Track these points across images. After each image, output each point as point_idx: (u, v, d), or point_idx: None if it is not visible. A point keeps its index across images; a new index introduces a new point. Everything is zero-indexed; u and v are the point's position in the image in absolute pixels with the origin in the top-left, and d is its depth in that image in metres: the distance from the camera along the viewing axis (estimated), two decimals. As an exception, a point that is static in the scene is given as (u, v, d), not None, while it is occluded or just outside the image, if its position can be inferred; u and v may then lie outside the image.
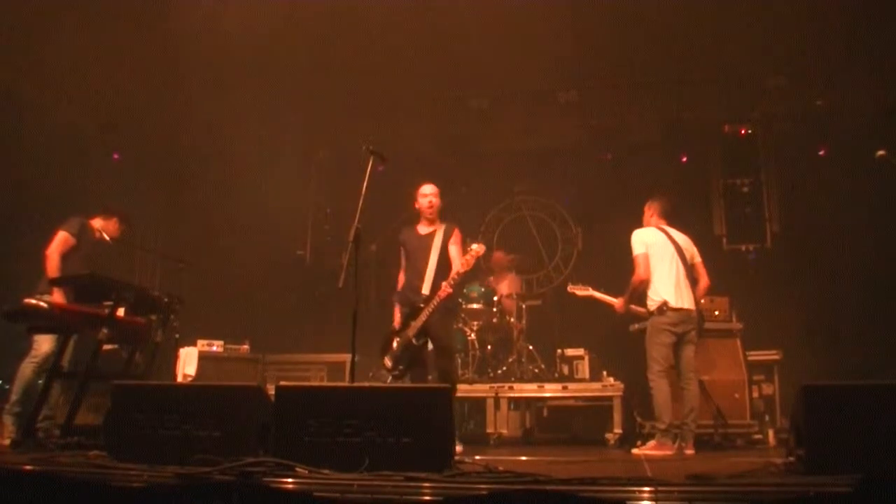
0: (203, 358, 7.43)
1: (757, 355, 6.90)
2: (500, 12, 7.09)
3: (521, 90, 9.06)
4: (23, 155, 7.65)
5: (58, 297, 5.38)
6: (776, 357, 6.95)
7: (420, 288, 5.71)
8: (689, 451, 5.48)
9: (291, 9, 7.12)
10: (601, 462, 4.98)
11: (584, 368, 7.62)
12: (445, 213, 6.10)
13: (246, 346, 7.98)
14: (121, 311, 5.34)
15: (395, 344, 5.81)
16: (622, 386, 6.71)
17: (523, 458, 5.17)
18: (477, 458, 4.39)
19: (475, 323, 7.63)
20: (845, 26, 7.13)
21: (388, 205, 7.41)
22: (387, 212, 7.62)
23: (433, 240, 5.84)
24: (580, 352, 7.69)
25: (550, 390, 7.06)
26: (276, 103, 8.76)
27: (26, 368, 5.62)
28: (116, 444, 3.85)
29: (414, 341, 5.64)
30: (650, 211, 6.14)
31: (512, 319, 7.82)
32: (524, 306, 8.08)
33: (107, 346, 5.32)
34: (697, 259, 6.02)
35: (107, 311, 5.13)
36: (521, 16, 7.15)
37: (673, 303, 5.69)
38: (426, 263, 5.75)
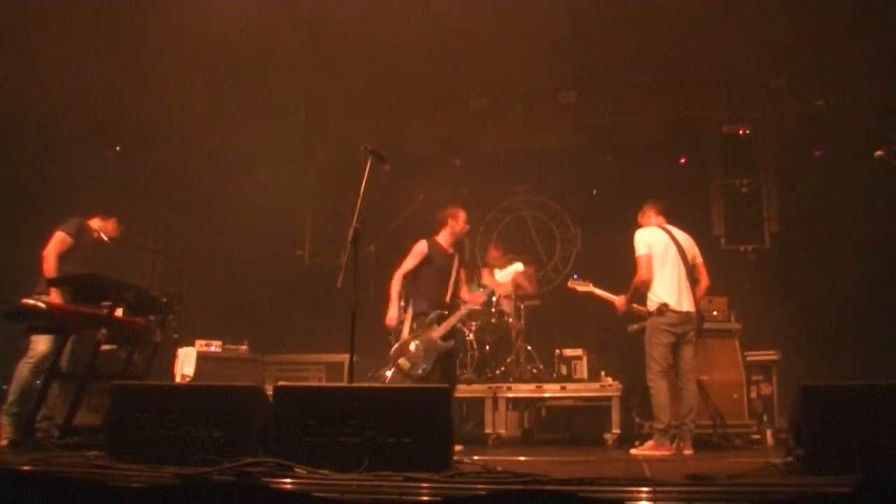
0: (201, 358, 7.42)
1: (755, 355, 6.91)
2: (499, 13, 7.10)
3: (521, 90, 9.06)
4: (22, 155, 7.65)
5: (55, 297, 5.38)
6: (774, 357, 6.95)
7: (445, 297, 6.27)
8: (688, 452, 5.49)
9: (292, 9, 7.12)
10: (600, 462, 4.99)
11: (583, 369, 7.62)
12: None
13: (244, 347, 7.97)
14: (119, 312, 5.35)
15: (412, 346, 6.11)
16: (620, 386, 6.70)
17: (522, 458, 5.17)
18: (476, 458, 4.39)
19: (474, 323, 7.62)
20: (845, 27, 7.14)
21: (387, 205, 7.41)
22: (386, 212, 7.62)
23: (454, 259, 6.50)
24: (579, 352, 7.69)
25: (549, 390, 7.06)
26: (276, 103, 8.76)
27: (23, 368, 5.61)
28: (115, 444, 3.86)
29: (442, 343, 6.05)
30: (648, 212, 6.13)
31: (510, 319, 7.82)
32: (523, 306, 8.08)
33: (105, 347, 5.33)
34: (699, 259, 6.02)
35: (105, 311, 5.14)
36: (521, 16, 7.15)
37: (674, 305, 5.69)
38: (450, 278, 6.39)
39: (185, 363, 7.29)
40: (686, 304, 5.74)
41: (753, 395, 6.78)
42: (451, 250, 6.47)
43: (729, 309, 7.02)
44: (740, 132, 8.76)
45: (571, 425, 7.78)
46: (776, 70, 8.31)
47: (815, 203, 8.24)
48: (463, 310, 6.26)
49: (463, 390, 6.93)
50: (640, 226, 6.09)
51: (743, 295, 7.32)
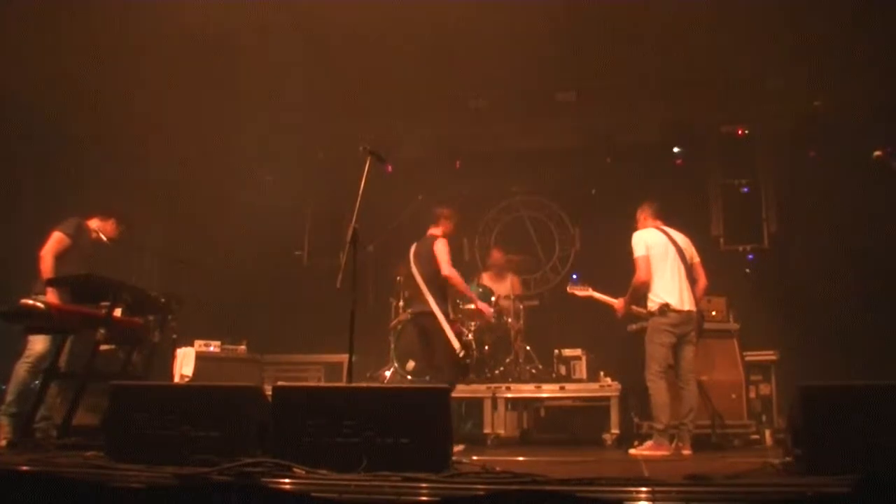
0: (200, 358, 7.41)
1: (754, 355, 6.92)
2: (498, 13, 7.09)
3: (520, 91, 9.06)
4: (21, 154, 7.64)
5: (52, 297, 5.38)
6: (773, 357, 6.96)
7: None
8: (687, 452, 5.49)
9: (292, 9, 7.12)
10: (599, 462, 4.99)
11: (582, 369, 7.62)
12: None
13: (243, 347, 7.96)
14: (118, 312, 5.34)
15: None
16: (619, 386, 6.71)
17: (521, 458, 5.17)
18: (475, 458, 4.39)
19: (473, 323, 7.61)
20: (843, 27, 7.14)
21: (385, 205, 7.42)
22: (385, 212, 7.63)
23: None
24: (578, 352, 7.69)
25: (548, 391, 7.06)
26: (274, 103, 8.76)
27: (20, 369, 5.61)
28: (114, 444, 3.85)
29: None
30: (644, 214, 6.14)
31: (510, 320, 7.82)
32: (522, 307, 8.09)
33: (104, 347, 5.33)
34: (696, 259, 6.04)
35: (104, 311, 5.13)
36: (520, 17, 7.15)
37: (675, 304, 5.70)
38: None
39: (184, 363, 7.29)
40: (687, 304, 5.75)
41: (752, 395, 6.79)
42: None
43: (728, 309, 7.03)
44: (739, 132, 8.78)
45: (570, 425, 7.78)
46: (774, 70, 8.31)
47: (814, 203, 8.25)
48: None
49: (462, 390, 6.92)
50: (637, 227, 6.10)
51: (741, 295, 7.32)
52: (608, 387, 6.77)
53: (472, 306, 7.31)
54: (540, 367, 7.78)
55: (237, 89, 8.28)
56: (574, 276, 6.77)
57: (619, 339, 6.93)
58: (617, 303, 6.09)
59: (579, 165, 9.54)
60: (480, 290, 7.84)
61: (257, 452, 3.56)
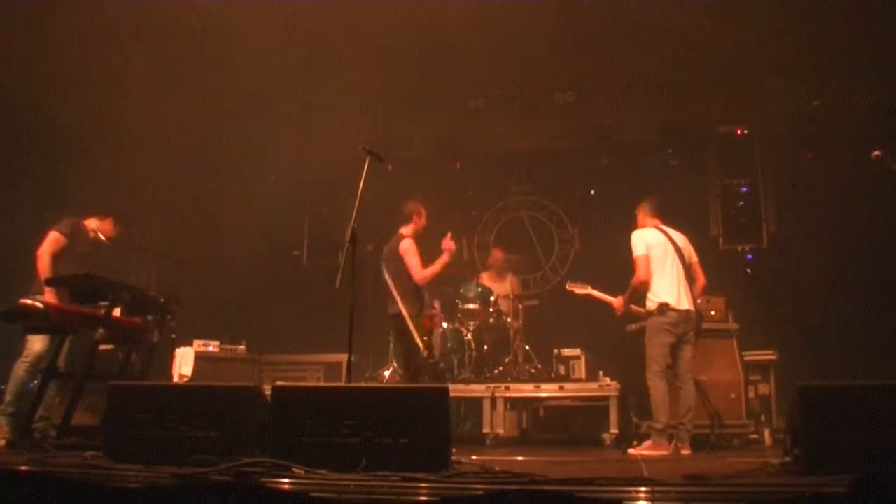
0: (199, 358, 7.41)
1: (753, 355, 6.92)
2: (497, 13, 7.10)
3: (518, 91, 9.06)
4: (19, 154, 7.63)
5: (49, 296, 5.37)
6: (772, 357, 6.96)
7: None
8: (686, 451, 5.49)
9: (291, 10, 7.12)
10: (597, 462, 4.98)
11: (581, 368, 7.61)
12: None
13: (242, 347, 7.96)
14: (117, 312, 5.34)
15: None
16: (618, 386, 6.70)
17: (520, 458, 5.17)
18: (473, 458, 4.39)
19: (472, 323, 7.62)
20: (842, 27, 7.15)
21: (384, 205, 7.39)
22: (383, 212, 7.60)
23: None
24: (577, 352, 7.69)
25: (547, 390, 7.06)
26: (273, 103, 8.76)
27: (18, 368, 5.61)
28: (113, 444, 3.85)
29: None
30: (643, 213, 6.14)
31: (509, 319, 7.83)
32: (521, 306, 8.09)
33: (103, 347, 5.32)
34: (694, 258, 6.04)
35: (103, 311, 5.13)
36: (518, 17, 7.16)
37: (674, 304, 5.70)
38: None
39: (183, 363, 7.29)
40: (686, 304, 5.75)
41: (751, 394, 6.78)
42: None
43: (727, 309, 7.03)
44: (737, 132, 8.78)
45: (569, 425, 7.77)
46: (772, 70, 8.32)
47: (813, 203, 8.25)
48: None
49: (461, 390, 6.93)
50: (636, 225, 6.10)
51: (740, 295, 7.32)
52: (607, 387, 6.76)
53: (472, 306, 7.34)
54: (539, 366, 7.77)
55: (237, 89, 8.28)
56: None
57: (618, 339, 6.93)
58: (616, 301, 6.09)
59: (578, 165, 9.55)
60: (480, 289, 7.85)
61: (256, 452, 3.56)
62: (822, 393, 3.51)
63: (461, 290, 7.79)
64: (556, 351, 7.82)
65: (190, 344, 7.50)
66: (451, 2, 6.97)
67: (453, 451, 3.63)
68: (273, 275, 9.69)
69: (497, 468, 3.51)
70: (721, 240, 8.65)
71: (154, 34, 7.26)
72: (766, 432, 6.60)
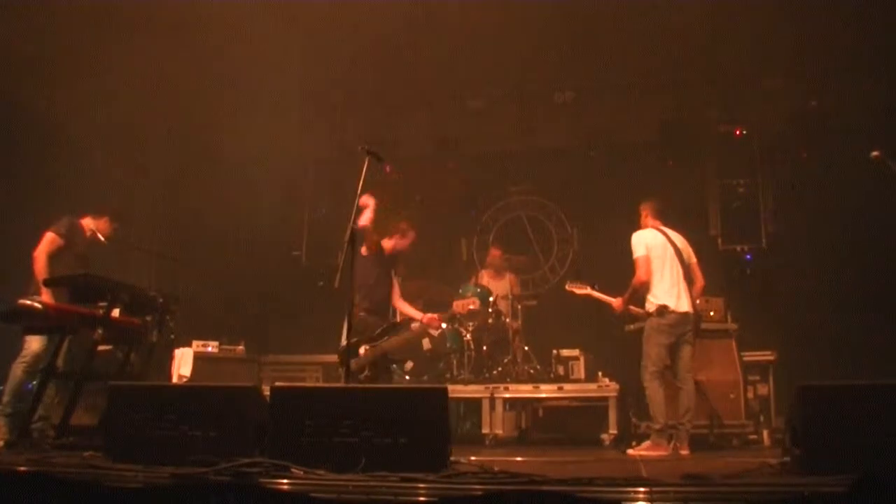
0: (198, 358, 7.40)
1: (752, 356, 6.91)
2: (496, 13, 7.10)
3: (517, 91, 9.07)
4: (18, 154, 7.62)
5: (46, 297, 5.37)
6: (771, 357, 6.96)
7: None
8: (685, 452, 5.49)
9: (290, 9, 7.12)
10: (597, 462, 4.98)
11: (580, 369, 7.61)
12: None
13: (241, 347, 7.95)
14: (116, 312, 5.33)
15: (363, 351, 5.97)
16: (617, 386, 6.70)
17: (519, 458, 5.17)
18: (472, 458, 4.39)
19: (471, 323, 7.61)
20: (840, 28, 7.15)
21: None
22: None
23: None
24: (576, 352, 7.68)
25: (546, 391, 7.06)
26: (273, 103, 8.75)
27: (17, 369, 5.61)
28: (112, 444, 3.85)
29: (390, 355, 6.00)
30: (645, 212, 6.15)
31: (508, 320, 7.82)
32: (520, 306, 8.08)
33: (102, 347, 5.32)
34: (693, 259, 6.05)
35: (102, 311, 5.13)
36: (517, 17, 7.16)
37: (673, 306, 5.71)
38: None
39: (182, 363, 7.28)
40: (684, 305, 5.76)
41: (750, 395, 6.78)
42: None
43: (725, 309, 7.03)
44: (736, 132, 8.78)
45: (568, 425, 7.77)
46: (772, 70, 8.33)
47: (812, 203, 8.26)
48: (429, 321, 6.21)
49: (460, 391, 6.93)
50: (639, 225, 6.11)
51: (739, 295, 7.33)
52: (606, 387, 6.76)
53: (471, 306, 7.31)
54: (538, 367, 7.77)
55: (237, 89, 8.28)
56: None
57: (618, 340, 6.94)
58: (615, 302, 6.09)
59: (577, 165, 9.54)
60: (479, 289, 7.85)
61: (255, 452, 3.56)
62: (821, 393, 3.51)
63: (460, 291, 7.80)
64: (555, 351, 7.81)
65: (189, 344, 7.49)
66: (451, 2, 6.98)
67: (452, 451, 3.62)
68: (272, 275, 9.68)
69: (496, 468, 3.50)
70: (720, 240, 8.64)
71: (153, 32, 7.25)
72: (765, 432, 6.60)
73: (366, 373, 5.91)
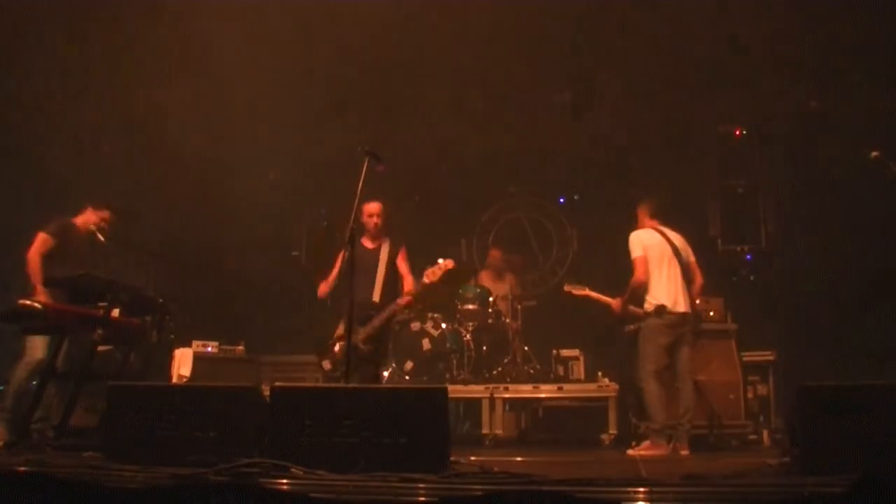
0: (198, 359, 7.39)
1: (752, 356, 6.92)
2: (495, 14, 7.10)
3: (516, 91, 9.05)
4: (17, 154, 7.63)
5: (42, 297, 5.36)
6: (771, 358, 6.96)
7: (371, 298, 5.90)
8: (684, 452, 5.49)
9: (288, 9, 7.11)
10: (596, 463, 4.99)
11: (580, 369, 7.63)
12: (391, 228, 6.30)
13: (241, 347, 7.94)
14: (116, 312, 5.33)
15: (338, 348, 5.90)
16: (617, 387, 6.71)
17: (518, 458, 5.17)
18: (472, 458, 4.39)
19: (470, 324, 7.62)
20: (841, 28, 7.15)
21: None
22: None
23: (379, 254, 6.08)
24: (575, 352, 7.70)
25: (546, 391, 7.06)
26: (272, 103, 8.74)
27: (17, 369, 5.61)
28: (111, 445, 3.85)
29: (362, 346, 5.73)
30: (643, 212, 6.15)
31: (507, 320, 7.83)
32: (520, 307, 8.09)
33: (102, 347, 5.31)
34: (692, 259, 6.05)
35: (101, 311, 5.12)
36: (517, 17, 7.16)
37: (671, 306, 5.71)
38: (375, 276, 5.99)
39: (182, 364, 7.28)
40: (683, 305, 5.76)
41: (750, 395, 6.79)
42: (372, 245, 6.17)
43: (725, 309, 7.03)
44: (736, 133, 8.78)
45: (568, 426, 7.78)
46: (772, 70, 8.32)
47: (811, 204, 8.25)
48: (403, 301, 5.93)
49: (460, 391, 6.93)
50: (637, 224, 6.11)
51: (739, 295, 7.33)
52: (606, 387, 6.77)
53: (470, 307, 7.32)
54: (538, 367, 7.78)
55: (234, 88, 8.27)
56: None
57: (617, 340, 6.94)
58: (614, 302, 6.09)
59: (577, 166, 9.54)
60: (478, 290, 7.85)
61: (255, 453, 3.55)
62: (820, 393, 3.51)
63: (460, 291, 7.80)
64: (554, 351, 7.83)
65: (188, 344, 7.49)
66: (449, 3, 6.97)
67: (452, 451, 3.62)
68: (272, 275, 9.68)
69: (496, 469, 3.51)
70: (720, 240, 8.64)
71: (152, 32, 7.25)
72: (765, 432, 6.60)
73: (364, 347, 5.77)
